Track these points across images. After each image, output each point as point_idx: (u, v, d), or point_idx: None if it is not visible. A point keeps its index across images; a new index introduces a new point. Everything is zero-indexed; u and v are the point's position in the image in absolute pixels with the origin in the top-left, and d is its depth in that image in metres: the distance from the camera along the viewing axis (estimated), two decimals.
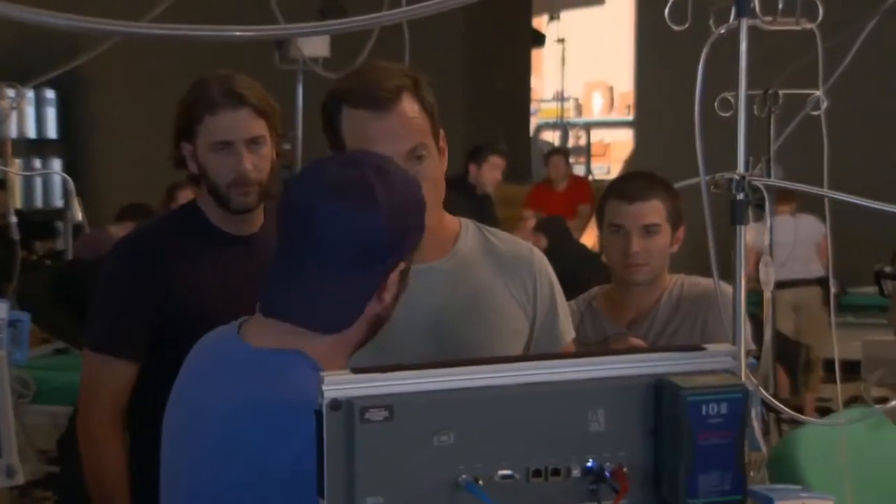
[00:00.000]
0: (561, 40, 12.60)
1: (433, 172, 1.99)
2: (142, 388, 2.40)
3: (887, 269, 3.15)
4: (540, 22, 13.26)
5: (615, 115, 13.97)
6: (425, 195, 1.86)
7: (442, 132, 2.05)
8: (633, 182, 2.77)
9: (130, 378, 2.40)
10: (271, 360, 1.54)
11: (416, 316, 1.95)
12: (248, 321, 1.64)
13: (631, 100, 12.28)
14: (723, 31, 2.23)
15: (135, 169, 7.61)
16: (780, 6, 2.25)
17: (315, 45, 6.20)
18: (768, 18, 2.22)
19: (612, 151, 13.85)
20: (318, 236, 1.54)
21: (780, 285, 6.83)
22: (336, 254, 1.53)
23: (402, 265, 1.59)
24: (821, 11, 2.32)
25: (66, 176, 6.55)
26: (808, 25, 2.30)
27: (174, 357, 1.75)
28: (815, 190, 2.45)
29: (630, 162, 11.71)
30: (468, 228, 2.13)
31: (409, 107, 1.98)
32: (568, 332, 2.17)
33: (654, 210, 2.67)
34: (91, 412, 2.41)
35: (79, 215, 6.00)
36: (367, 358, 1.72)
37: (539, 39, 13.08)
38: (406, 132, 1.96)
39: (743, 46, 2.22)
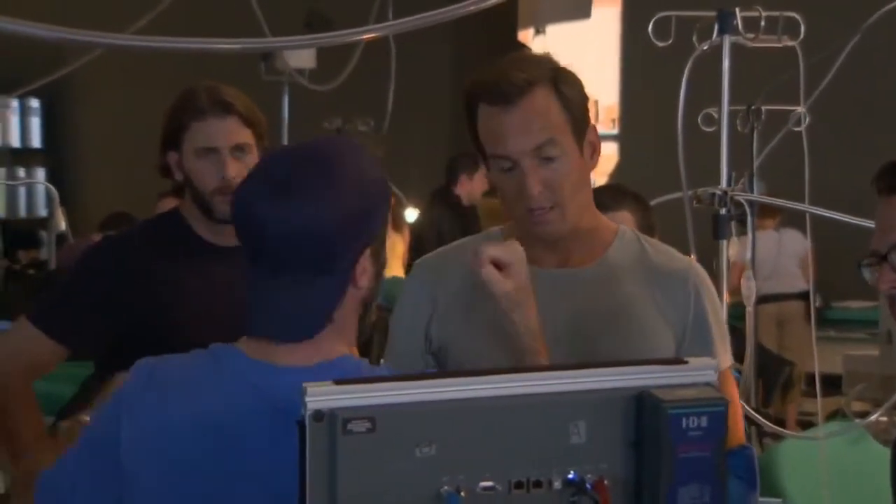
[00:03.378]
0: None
1: (570, 172, 1.88)
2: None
3: None
4: (526, 36, 13.28)
5: (601, 129, 13.81)
6: (561, 198, 1.83)
7: (594, 126, 1.92)
8: (602, 193, 2.80)
9: (53, 359, 2.43)
10: (337, 371, 1.47)
11: (548, 321, 1.86)
12: (246, 346, 1.58)
13: (616, 113, 12.29)
14: (706, 48, 2.26)
15: (119, 179, 7.59)
16: (763, 24, 2.27)
17: (301, 57, 6.22)
18: (751, 35, 2.25)
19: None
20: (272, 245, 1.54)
21: (764, 300, 6.84)
22: (294, 263, 1.53)
23: (370, 250, 1.56)
24: (802, 29, 2.35)
25: (49, 185, 6.54)
26: (790, 43, 2.33)
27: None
28: (795, 205, 2.47)
29: (614, 175, 11.73)
30: (624, 236, 2.02)
31: (541, 101, 1.85)
32: (723, 359, 1.97)
33: (622, 220, 2.69)
34: (5, 367, 2.42)
35: (62, 225, 6.00)
36: (492, 358, 1.75)
37: None
38: (532, 128, 1.84)
39: (725, 63, 2.24)
